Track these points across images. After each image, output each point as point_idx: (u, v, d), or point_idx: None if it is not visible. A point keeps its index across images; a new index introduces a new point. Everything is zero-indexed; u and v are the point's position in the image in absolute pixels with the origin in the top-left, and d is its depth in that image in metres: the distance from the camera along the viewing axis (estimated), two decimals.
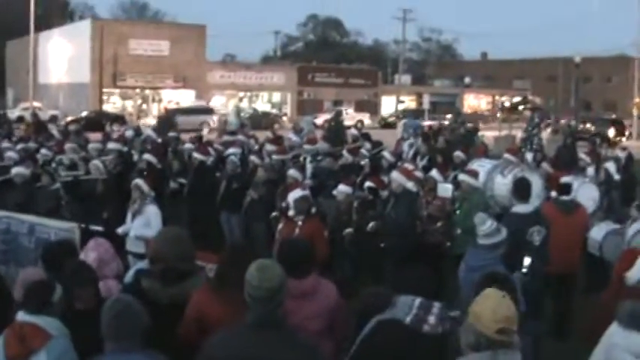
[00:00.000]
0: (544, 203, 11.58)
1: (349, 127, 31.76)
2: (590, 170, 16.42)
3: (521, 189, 10.24)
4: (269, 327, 4.85)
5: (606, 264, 10.99)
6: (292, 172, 14.25)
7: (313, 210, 11.62)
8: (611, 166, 14.83)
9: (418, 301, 5.50)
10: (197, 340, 5.43)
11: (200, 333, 5.55)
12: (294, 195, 11.13)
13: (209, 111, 64.19)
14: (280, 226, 11.37)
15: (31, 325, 5.48)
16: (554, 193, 12.02)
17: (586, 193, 13.30)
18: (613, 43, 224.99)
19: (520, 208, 9.90)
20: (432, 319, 5.44)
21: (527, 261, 9.14)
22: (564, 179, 12.42)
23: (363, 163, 16.92)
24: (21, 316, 5.58)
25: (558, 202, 11.30)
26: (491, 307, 4.51)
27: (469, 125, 34.15)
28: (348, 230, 12.22)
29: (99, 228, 9.72)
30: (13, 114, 53.81)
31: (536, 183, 12.76)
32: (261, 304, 4.85)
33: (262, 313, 4.85)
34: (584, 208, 12.00)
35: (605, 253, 11.33)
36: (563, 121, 54.00)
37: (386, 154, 17.73)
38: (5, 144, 18.96)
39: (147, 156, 16.74)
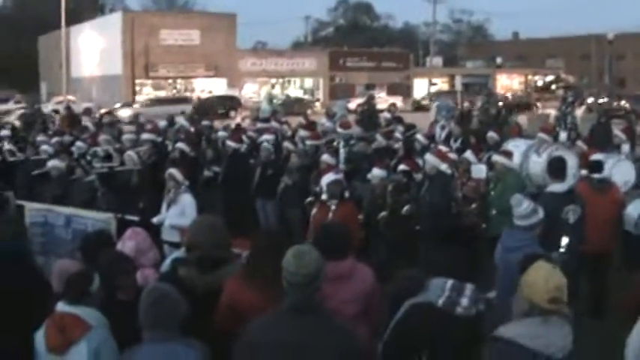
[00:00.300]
0: (578, 182, 11.48)
1: (382, 111, 31.61)
2: (626, 147, 16.25)
3: (556, 168, 10.17)
4: (306, 312, 4.84)
5: None
6: (326, 157, 14.23)
7: (347, 194, 11.61)
8: None
9: (450, 283, 5.50)
10: (232, 327, 5.45)
11: (234, 321, 5.56)
12: (327, 179, 11.12)
13: (185, 100, 63.71)
14: (314, 210, 11.37)
15: (70, 316, 5.53)
16: (585, 172, 11.93)
17: (622, 171, 13.17)
18: None
19: (555, 187, 9.83)
20: (464, 301, 5.45)
21: (564, 241, 9.08)
22: (595, 157, 12.28)
23: (396, 146, 16.88)
24: (61, 306, 5.62)
25: (591, 181, 11.21)
26: (544, 277, 4.64)
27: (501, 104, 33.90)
28: (383, 214, 12.19)
29: (135, 218, 9.77)
30: (46, 108, 54.10)
31: (572, 161, 12.64)
32: (298, 290, 4.84)
33: (299, 299, 4.84)
34: (618, 186, 11.92)
35: None
36: (590, 100, 53.50)
37: (419, 136, 17.66)
38: (40, 137, 19.10)
39: (180, 145, 16.81)
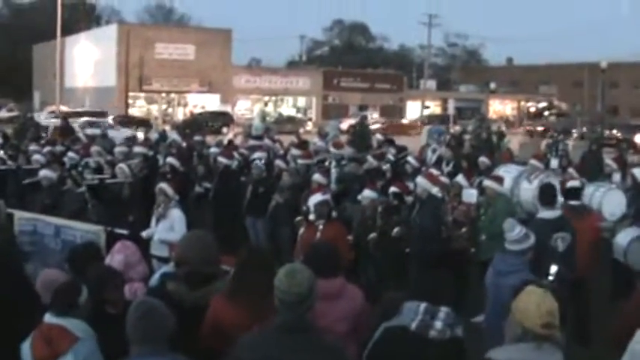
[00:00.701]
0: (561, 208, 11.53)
1: (375, 132, 31.67)
2: (617, 176, 16.30)
3: (547, 194, 10.21)
4: (297, 331, 4.82)
5: (632, 270, 10.91)
6: (317, 177, 14.22)
7: (334, 214, 11.61)
8: (638, 172, 14.68)
9: (423, 306, 5.50)
10: (216, 345, 5.47)
11: (218, 338, 5.56)
12: (314, 199, 11.10)
13: (101, 114, 59.27)
14: (301, 230, 11.36)
15: (58, 327, 5.50)
16: (561, 199, 11.99)
17: (613, 199, 13.20)
18: None
19: (546, 214, 9.87)
20: (438, 324, 5.44)
21: (553, 268, 9.09)
22: (571, 184, 12.37)
23: (385, 168, 16.91)
24: (48, 317, 5.59)
25: (568, 207, 11.29)
26: (536, 302, 4.66)
27: (494, 129, 33.95)
28: (373, 235, 12.19)
29: (124, 232, 9.76)
30: (39, 117, 53.98)
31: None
32: (290, 309, 4.83)
33: (291, 317, 4.83)
34: (596, 213, 12.11)
35: (630, 259, 11.24)
36: (583, 129, 53.58)
37: (410, 159, 17.67)
38: (33, 147, 19.08)
39: (170, 159, 16.81)
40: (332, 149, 18.66)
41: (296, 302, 4.83)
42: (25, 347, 5.59)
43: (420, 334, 5.40)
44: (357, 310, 6.04)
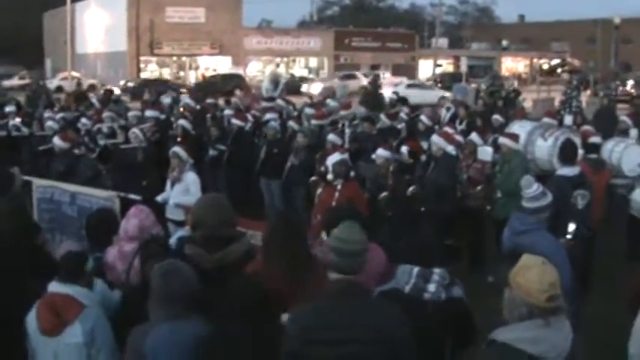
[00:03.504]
0: (578, 162, 11.49)
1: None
2: (634, 132, 16.18)
3: (568, 151, 10.15)
4: (356, 295, 4.84)
5: None
6: (332, 137, 14.21)
7: (352, 174, 11.58)
8: None
9: (416, 269, 5.51)
10: None
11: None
12: (332, 159, 11.09)
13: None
14: (319, 190, 11.34)
15: (63, 296, 5.50)
16: (581, 152, 12.00)
17: (633, 155, 13.12)
18: None
19: (566, 171, 9.82)
20: (431, 286, 5.47)
21: (572, 227, 9.06)
22: (593, 139, 12.44)
23: (399, 127, 16.84)
24: (53, 286, 5.58)
25: (589, 160, 11.28)
26: (537, 277, 4.43)
27: (509, 87, 33.73)
28: (384, 194, 12.15)
29: (137, 197, 9.74)
30: (52, 84, 53.97)
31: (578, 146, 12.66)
32: (350, 258, 4.85)
33: (348, 282, 4.84)
34: (609, 166, 12.39)
35: None
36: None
37: (423, 118, 17.57)
38: (47, 114, 19.05)
39: (181, 121, 16.73)
40: (341, 112, 18.60)
41: (357, 251, 4.88)
42: (31, 318, 5.55)
43: (415, 296, 5.42)
44: (380, 268, 6.07)
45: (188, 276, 5.09)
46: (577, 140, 12.64)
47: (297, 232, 5.88)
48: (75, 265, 5.64)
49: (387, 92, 32.23)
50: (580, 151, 12.14)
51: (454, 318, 5.46)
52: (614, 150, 13.18)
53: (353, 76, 64.68)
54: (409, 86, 55.30)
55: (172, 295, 4.96)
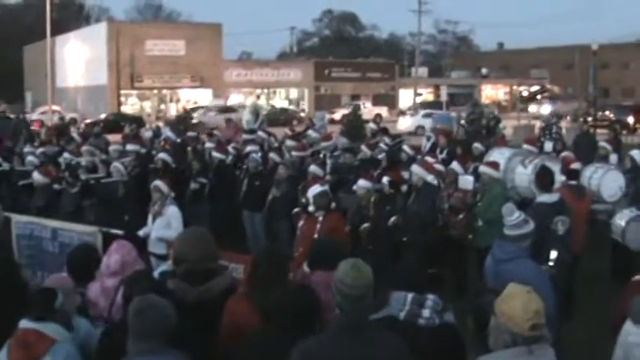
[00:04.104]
0: (559, 189, 11.54)
1: (367, 122, 31.56)
2: (614, 158, 16.27)
3: (542, 178, 10.22)
4: (361, 329, 4.83)
5: (631, 251, 10.94)
6: (313, 168, 14.24)
7: (333, 205, 11.58)
8: (637, 154, 14.65)
9: (410, 296, 5.52)
10: (234, 346, 5.44)
11: (235, 340, 5.50)
12: (313, 191, 11.07)
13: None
14: (301, 222, 11.34)
15: (34, 332, 5.47)
16: (562, 178, 12.07)
17: (612, 180, 13.19)
18: (631, 28, 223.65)
19: (545, 198, 9.89)
20: (425, 312, 5.49)
21: (553, 254, 9.09)
22: (574, 165, 12.55)
23: (380, 157, 16.88)
24: (24, 323, 5.55)
25: (570, 187, 11.35)
26: (521, 306, 4.47)
27: (489, 114, 33.83)
28: (365, 225, 12.15)
29: (119, 232, 9.70)
30: (32, 117, 53.79)
31: (557, 172, 12.72)
32: (356, 302, 4.81)
33: (354, 315, 4.83)
34: (590, 194, 12.39)
35: (628, 239, 11.27)
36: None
37: (405, 147, 17.62)
38: (27, 148, 19.01)
39: (162, 155, 16.70)
40: (322, 143, 18.66)
41: (361, 296, 4.82)
42: (2, 355, 5.52)
43: (409, 323, 5.42)
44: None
45: (166, 312, 5.02)
46: (555, 167, 12.72)
47: (282, 265, 5.88)
48: (44, 302, 5.62)
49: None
50: (561, 178, 12.24)
51: (447, 344, 5.47)
52: (592, 177, 13.25)
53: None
54: (425, 116, 54.90)
55: (146, 331, 4.89)
